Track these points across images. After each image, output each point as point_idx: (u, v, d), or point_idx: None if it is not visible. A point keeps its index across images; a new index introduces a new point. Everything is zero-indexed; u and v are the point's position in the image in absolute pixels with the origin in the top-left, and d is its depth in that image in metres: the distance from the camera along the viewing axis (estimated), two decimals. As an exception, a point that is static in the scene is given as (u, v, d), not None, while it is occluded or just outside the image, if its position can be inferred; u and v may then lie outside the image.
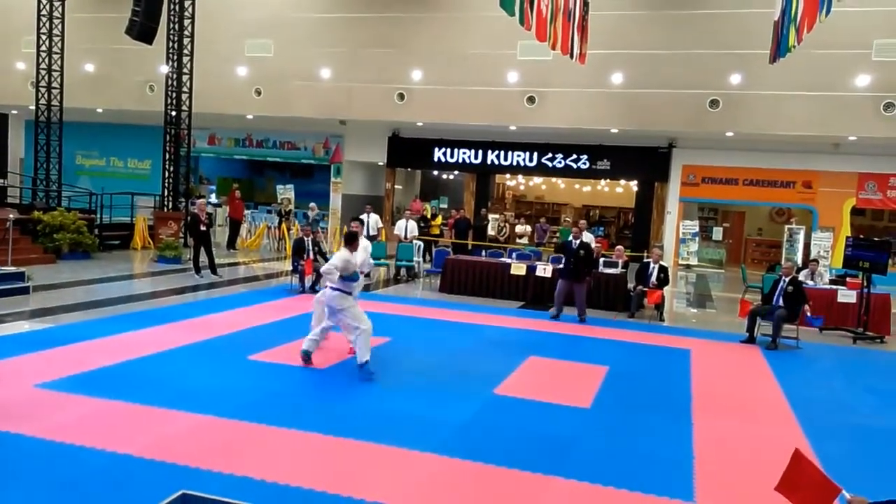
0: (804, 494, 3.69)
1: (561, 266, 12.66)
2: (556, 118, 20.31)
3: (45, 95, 18.30)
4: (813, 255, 18.09)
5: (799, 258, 19.16)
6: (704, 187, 21.81)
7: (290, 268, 13.58)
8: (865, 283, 12.20)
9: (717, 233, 23.24)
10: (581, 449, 5.93)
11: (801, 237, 20.21)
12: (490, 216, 20.51)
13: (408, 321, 11.07)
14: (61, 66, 18.41)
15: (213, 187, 29.73)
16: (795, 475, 3.74)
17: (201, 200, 15.44)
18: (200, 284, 13.35)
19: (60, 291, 11.77)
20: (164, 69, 19.21)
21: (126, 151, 28.21)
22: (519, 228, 20.97)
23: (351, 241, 7.95)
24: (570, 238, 12.14)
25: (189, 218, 15.14)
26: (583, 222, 16.76)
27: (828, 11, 8.98)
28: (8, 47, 24.23)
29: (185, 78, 18.98)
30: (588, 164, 22.54)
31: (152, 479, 4.77)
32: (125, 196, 19.65)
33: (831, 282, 14.00)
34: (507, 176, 27.60)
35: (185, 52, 18.99)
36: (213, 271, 14.11)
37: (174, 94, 18.88)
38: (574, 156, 22.58)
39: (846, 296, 12.55)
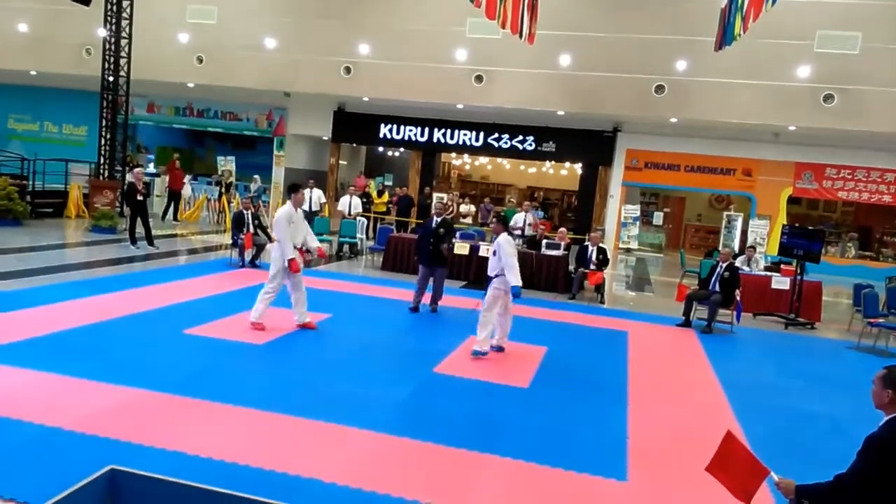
0: (734, 475, 3.77)
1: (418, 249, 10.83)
2: (503, 98, 20.29)
3: (-27, 55, 17.45)
4: (750, 241, 18.58)
5: (736, 245, 19.65)
6: (647, 172, 22.13)
7: (230, 241, 13.30)
8: (799, 271, 12.58)
9: (658, 217, 23.65)
10: (517, 428, 5.96)
11: (738, 224, 20.73)
12: (434, 195, 20.42)
13: (349, 298, 10.97)
14: (-9, 26, 17.59)
15: (152, 156, 28.87)
16: (726, 456, 3.81)
17: (138, 169, 14.98)
18: (136, 256, 12.96)
19: (-14, 260, 11.29)
20: (102, 32, 18.43)
21: (61, 116, 27.09)
22: (463, 208, 20.95)
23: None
24: (433, 214, 10.93)
25: (126, 187, 14.67)
26: (527, 203, 16.84)
27: (773, 1, 9.12)
28: (-67, 2, 22.98)
29: (123, 42, 18.24)
30: (534, 146, 22.63)
31: (82, 454, 4.60)
32: (59, 163, 18.90)
33: (766, 268, 14.39)
34: (453, 155, 27.53)
35: (125, 15, 18.23)
36: (150, 242, 13.72)
37: (112, 59, 18.15)
38: (520, 137, 22.64)
39: (780, 282, 12.91)
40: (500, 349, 8.36)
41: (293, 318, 8.57)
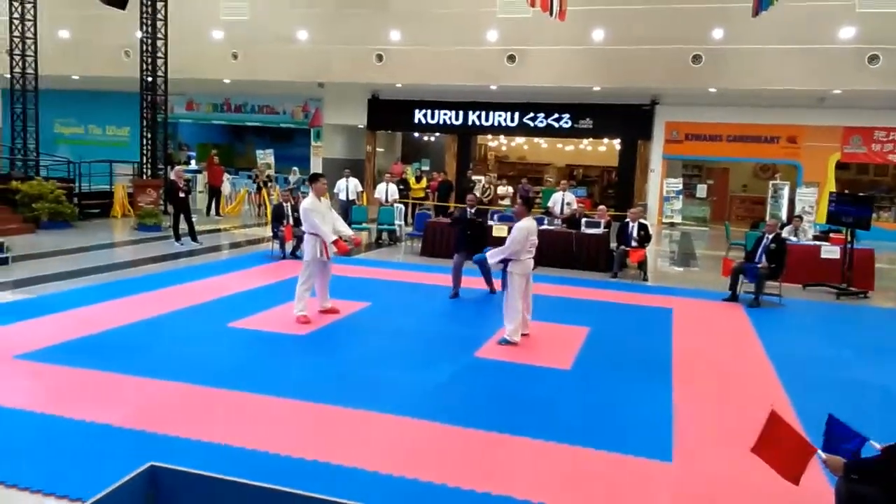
0: (780, 456, 3.68)
1: (455, 239, 11.04)
2: (537, 77, 20.06)
3: (20, 63, 17.94)
4: (797, 210, 18.09)
5: (783, 214, 19.16)
6: (688, 144, 21.70)
7: (271, 234, 13.47)
8: (849, 239, 12.17)
9: (702, 190, 23.16)
10: (560, 411, 5.92)
11: (785, 193, 20.17)
12: (474, 177, 20.34)
13: (389, 285, 11.03)
14: (35, 34, 18.09)
15: (193, 153, 29.33)
16: (771, 436, 3.72)
17: (179, 167, 15.26)
18: (181, 252, 13.22)
19: (40, 261, 11.63)
20: (139, 34, 18.76)
21: (104, 118, 27.77)
22: (501, 190, 20.82)
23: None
24: (466, 206, 11.03)
25: (167, 185, 14.95)
26: (564, 182, 16.68)
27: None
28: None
29: (159, 43, 18.55)
30: (570, 124, 22.37)
31: (130, 450, 4.71)
32: (104, 164, 19.34)
33: (815, 238, 14.00)
34: (489, 136, 27.35)
35: (160, 16, 18.53)
36: (194, 238, 13.97)
37: (149, 60, 18.48)
38: (556, 115, 22.38)
39: (829, 252, 12.53)
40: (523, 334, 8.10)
41: (317, 305, 8.66)
